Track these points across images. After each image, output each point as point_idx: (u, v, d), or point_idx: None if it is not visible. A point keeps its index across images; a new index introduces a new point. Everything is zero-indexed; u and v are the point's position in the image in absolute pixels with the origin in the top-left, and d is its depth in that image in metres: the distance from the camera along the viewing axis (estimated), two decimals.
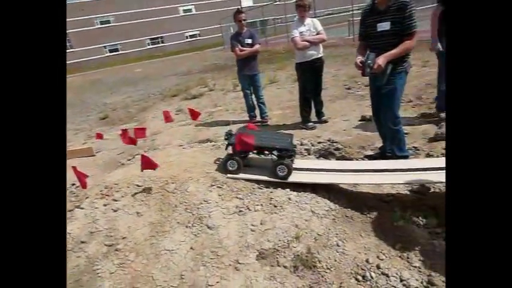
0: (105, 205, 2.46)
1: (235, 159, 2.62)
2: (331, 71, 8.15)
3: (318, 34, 4.24)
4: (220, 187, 2.48)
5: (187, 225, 2.20)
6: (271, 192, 2.43)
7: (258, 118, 5.11)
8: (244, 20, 4.72)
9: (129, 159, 3.95)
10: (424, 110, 4.43)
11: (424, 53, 6.88)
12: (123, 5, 35.20)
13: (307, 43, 4.17)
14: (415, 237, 1.97)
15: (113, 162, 4.33)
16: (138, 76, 15.82)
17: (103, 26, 35.33)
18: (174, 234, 2.15)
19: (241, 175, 2.63)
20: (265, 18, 24.55)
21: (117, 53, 35.96)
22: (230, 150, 2.80)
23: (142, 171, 2.60)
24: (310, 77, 4.36)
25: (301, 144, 3.83)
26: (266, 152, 2.73)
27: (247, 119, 5.16)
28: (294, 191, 2.43)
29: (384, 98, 2.84)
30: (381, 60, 2.56)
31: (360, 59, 2.69)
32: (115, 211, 2.37)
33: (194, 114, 3.64)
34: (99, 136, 4.39)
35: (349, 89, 6.38)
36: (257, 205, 2.29)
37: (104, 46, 35.69)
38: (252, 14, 24.74)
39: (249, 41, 4.72)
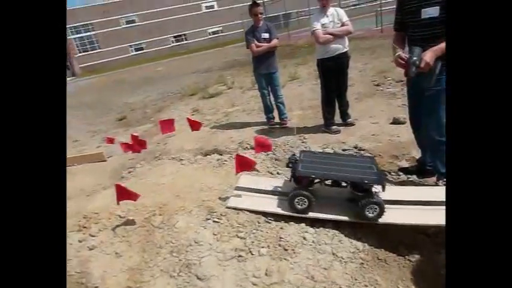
0: (80, 241, 2.10)
1: (304, 195, 2.00)
2: (358, 66, 7.55)
3: (342, 25, 3.73)
4: (217, 221, 2.04)
5: (172, 275, 1.76)
6: (281, 229, 1.96)
7: (277, 119, 4.70)
8: (261, 13, 4.29)
9: (130, 171, 3.63)
10: None
11: None
12: (146, 4, 35.66)
13: (330, 36, 3.68)
14: None
15: (122, 168, 4.10)
16: (159, 75, 15.81)
17: (128, 25, 35.99)
18: (154, 286, 1.73)
19: (311, 214, 2.00)
20: (288, 12, 23.86)
21: (142, 51, 36.56)
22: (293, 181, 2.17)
23: (118, 203, 2.19)
24: (334, 75, 3.87)
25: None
26: (344, 184, 2.13)
27: (265, 120, 4.76)
28: (311, 226, 1.98)
29: (429, 101, 2.31)
30: (429, 56, 2.02)
31: (401, 53, 2.14)
32: (90, 249, 2.01)
33: (194, 125, 3.29)
34: (110, 141, 4.17)
35: (378, 85, 5.79)
36: (262, 247, 1.82)
37: (130, 45, 36.40)
38: (274, 7, 24.20)
39: (266, 35, 4.29)
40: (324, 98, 4.03)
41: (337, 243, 1.82)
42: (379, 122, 4.02)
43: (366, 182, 1.92)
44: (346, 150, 3.44)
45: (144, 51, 36.50)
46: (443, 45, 2.03)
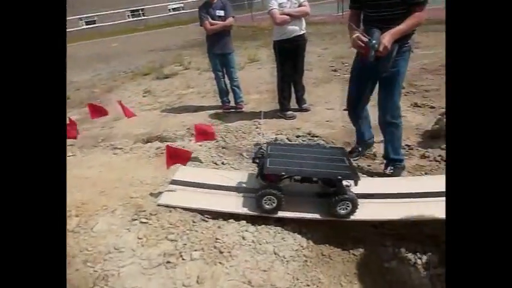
0: None
1: (273, 194, 1.79)
2: (317, 50, 7.52)
3: (300, 6, 3.57)
4: (144, 222, 1.78)
5: None
6: (218, 228, 1.77)
7: (232, 103, 4.49)
8: None
9: None
10: (418, 100, 3.92)
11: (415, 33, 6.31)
12: None
13: (287, 17, 3.51)
14: (412, 285, 1.48)
15: None
16: (113, 51, 14.68)
17: None
18: None
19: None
20: None
21: (94, 25, 33.72)
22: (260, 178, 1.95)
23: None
24: (290, 58, 3.73)
25: (275, 140, 3.27)
26: (315, 179, 1.93)
27: (220, 104, 4.54)
28: (252, 223, 1.81)
29: (385, 84, 2.26)
30: (388, 40, 1.93)
31: (360, 35, 2.00)
32: None
33: (127, 112, 3.00)
34: None
35: (335, 71, 5.79)
36: (196, 250, 1.60)
37: (80, 18, 33.34)
38: None
39: (221, 13, 4.01)
40: (279, 82, 3.89)
41: (280, 241, 1.70)
42: (335, 108, 3.99)
43: (340, 177, 1.78)
44: (299, 136, 3.37)
45: (97, 25, 33.69)
46: (401, 27, 1.97)
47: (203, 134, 2.49)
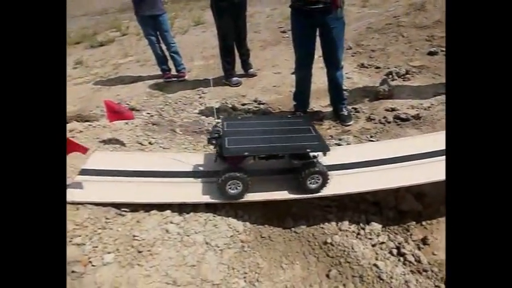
0: None
1: (238, 178, 1.58)
2: (266, 11, 7.14)
3: None
4: None
5: None
6: (137, 223, 1.50)
7: (174, 71, 4.09)
8: None
9: None
10: (365, 60, 3.84)
11: None
12: None
13: None
14: (355, 257, 1.41)
15: None
16: None
17: None
18: None
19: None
20: None
21: None
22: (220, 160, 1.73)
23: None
24: (230, 18, 3.38)
25: (219, 110, 3.03)
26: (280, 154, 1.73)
27: (160, 73, 4.11)
28: (178, 212, 1.57)
29: (333, 37, 2.39)
30: None
31: None
32: None
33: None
34: None
35: (284, 32, 5.51)
36: (108, 252, 1.35)
37: None
38: None
39: None
40: (221, 45, 3.56)
41: (212, 229, 1.52)
42: (282, 72, 3.80)
43: (309, 150, 1.61)
44: (245, 104, 3.16)
45: None
46: None
47: (116, 113, 2.15)
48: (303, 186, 1.61)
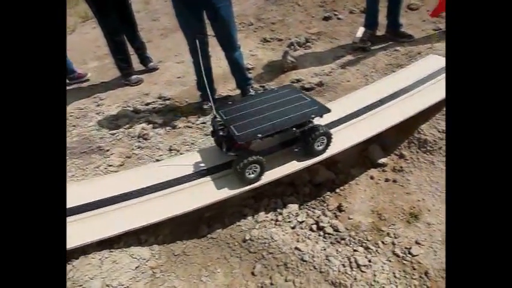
0: None
1: (256, 161, 1.54)
2: None
3: None
4: None
5: None
6: None
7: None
8: None
9: None
10: (267, 34, 3.79)
11: None
12: None
13: None
14: (277, 246, 1.36)
15: None
16: None
17: None
18: None
19: None
20: None
21: None
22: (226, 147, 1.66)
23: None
24: (112, 7, 2.97)
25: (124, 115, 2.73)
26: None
27: None
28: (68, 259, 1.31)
29: (221, 16, 2.23)
30: None
31: None
32: None
33: None
34: None
35: None
36: None
37: None
38: None
39: None
40: (109, 43, 3.14)
41: (111, 267, 1.30)
42: (185, 60, 3.55)
43: (314, 116, 1.67)
44: (149, 104, 2.89)
45: None
46: None
47: None
48: (311, 150, 1.69)
